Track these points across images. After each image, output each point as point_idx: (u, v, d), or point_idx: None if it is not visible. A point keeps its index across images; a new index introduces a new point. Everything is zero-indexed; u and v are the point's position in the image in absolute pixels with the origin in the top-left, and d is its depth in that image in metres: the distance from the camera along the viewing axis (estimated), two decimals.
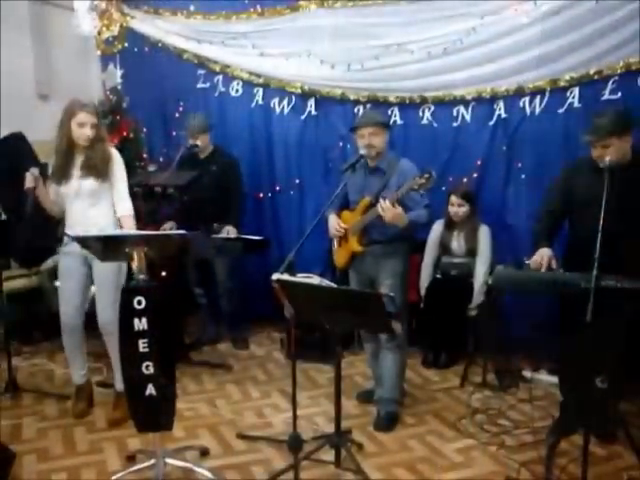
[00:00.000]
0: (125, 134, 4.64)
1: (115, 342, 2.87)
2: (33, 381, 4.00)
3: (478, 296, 3.99)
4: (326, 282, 2.73)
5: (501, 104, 4.18)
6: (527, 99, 4.09)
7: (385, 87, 4.46)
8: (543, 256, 2.91)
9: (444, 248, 4.22)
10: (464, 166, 4.33)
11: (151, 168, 4.84)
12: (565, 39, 3.85)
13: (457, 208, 4.11)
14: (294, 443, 2.57)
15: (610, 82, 3.80)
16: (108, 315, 3.21)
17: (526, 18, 3.91)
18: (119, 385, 3.36)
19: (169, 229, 4.37)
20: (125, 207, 3.34)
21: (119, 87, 5.03)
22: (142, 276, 2.66)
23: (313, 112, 4.75)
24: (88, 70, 5.46)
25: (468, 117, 4.31)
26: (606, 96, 3.83)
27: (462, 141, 4.34)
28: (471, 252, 4.12)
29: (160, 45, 5.11)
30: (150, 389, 2.63)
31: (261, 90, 4.87)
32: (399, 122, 4.48)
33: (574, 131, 3.90)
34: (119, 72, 5.24)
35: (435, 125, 4.41)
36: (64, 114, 3.23)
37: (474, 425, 3.39)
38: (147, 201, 4.08)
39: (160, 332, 2.62)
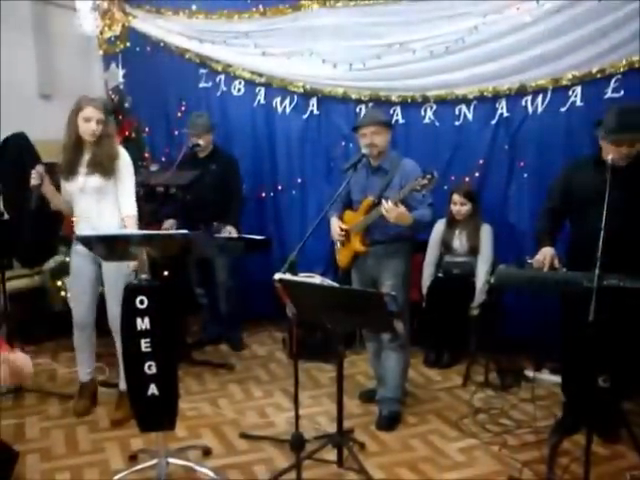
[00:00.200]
0: (127, 134, 4.63)
1: None
2: (36, 381, 3.97)
3: (480, 295, 3.98)
4: (328, 282, 2.73)
5: (503, 103, 4.17)
6: (529, 98, 4.09)
7: (387, 86, 4.45)
8: (546, 255, 2.89)
9: (446, 247, 4.21)
10: (466, 165, 4.33)
11: (153, 168, 4.83)
12: (567, 38, 3.84)
13: (459, 207, 4.10)
14: (296, 443, 2.58)
15: (613, 80, 3.79)
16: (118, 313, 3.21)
17: (528, 17, 3.90)
18: (123, 385, 3.37)
19: (169, 227, 4.36)
20: (129, 207, 3.32)
21: (121, 87, 5.03)
22: (144, 276, 2.66)
23: (315, 111, 4.74)
24: (90, 70, 5.46)
25: (470, 116, 4.30)
26: (609, 94, 3.82)
27: (464, 140, 4.33)
28: (473, 251, 4.11)
29: (162, 45, 5.10)
30: (152, 389, 2.63)
31: (263, 89, 4.86)
32: (401, 121, 4.47)
33: (576, 130, 3.91)
34: (121, 72, 5.24)
35: (437, 124, 4.40)
36: (72, 110, 3.23)
37: (476, 425, 3.39)
38: (149, 201, 4.08)
39: (162, 332, 2.62)
